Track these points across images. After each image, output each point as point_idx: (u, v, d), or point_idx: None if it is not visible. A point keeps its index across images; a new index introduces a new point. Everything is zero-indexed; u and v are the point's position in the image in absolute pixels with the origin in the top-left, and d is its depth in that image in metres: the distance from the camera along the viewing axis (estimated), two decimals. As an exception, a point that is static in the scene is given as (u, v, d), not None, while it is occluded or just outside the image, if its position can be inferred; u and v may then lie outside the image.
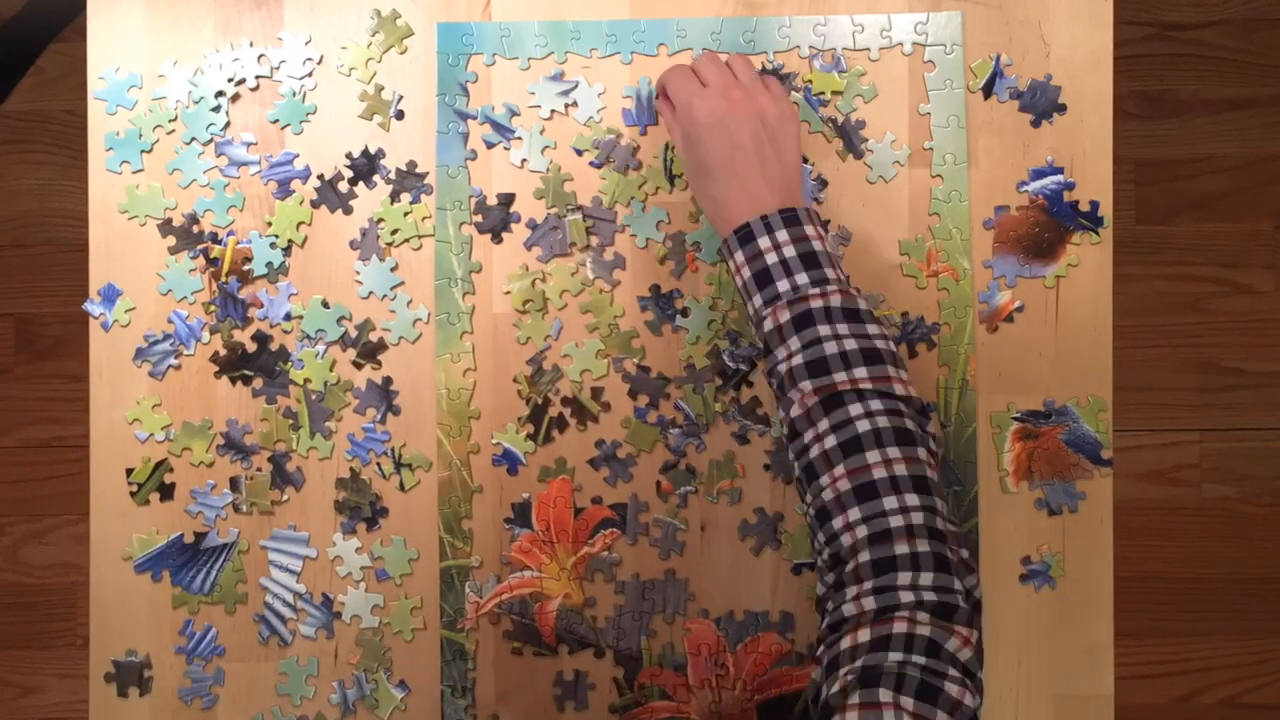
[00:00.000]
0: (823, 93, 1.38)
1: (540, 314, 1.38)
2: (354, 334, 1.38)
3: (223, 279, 1.38)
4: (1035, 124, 1.37)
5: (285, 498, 1.39)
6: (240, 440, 1.39)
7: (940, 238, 1.37)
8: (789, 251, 1.17)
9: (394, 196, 1.39)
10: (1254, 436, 2.50)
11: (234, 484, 1.39)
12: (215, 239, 1.38)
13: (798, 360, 1.14)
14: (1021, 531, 1.37)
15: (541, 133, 1.39)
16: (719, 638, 1.37)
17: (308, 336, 1.38)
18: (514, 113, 1.39)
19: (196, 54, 1.40)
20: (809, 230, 1.19)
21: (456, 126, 1.39)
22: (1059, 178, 1.37)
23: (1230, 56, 2.51)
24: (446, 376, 1.38)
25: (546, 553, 1.38)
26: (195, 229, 1.38)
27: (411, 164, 1.39)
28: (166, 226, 1.38)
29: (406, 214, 1.38)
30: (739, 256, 1.19)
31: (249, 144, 1.39)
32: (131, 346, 1.39)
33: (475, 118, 1.39)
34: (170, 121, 1.39)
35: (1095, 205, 1.36)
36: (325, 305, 1.39)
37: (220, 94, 1.40)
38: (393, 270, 1.38)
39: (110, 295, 1.38)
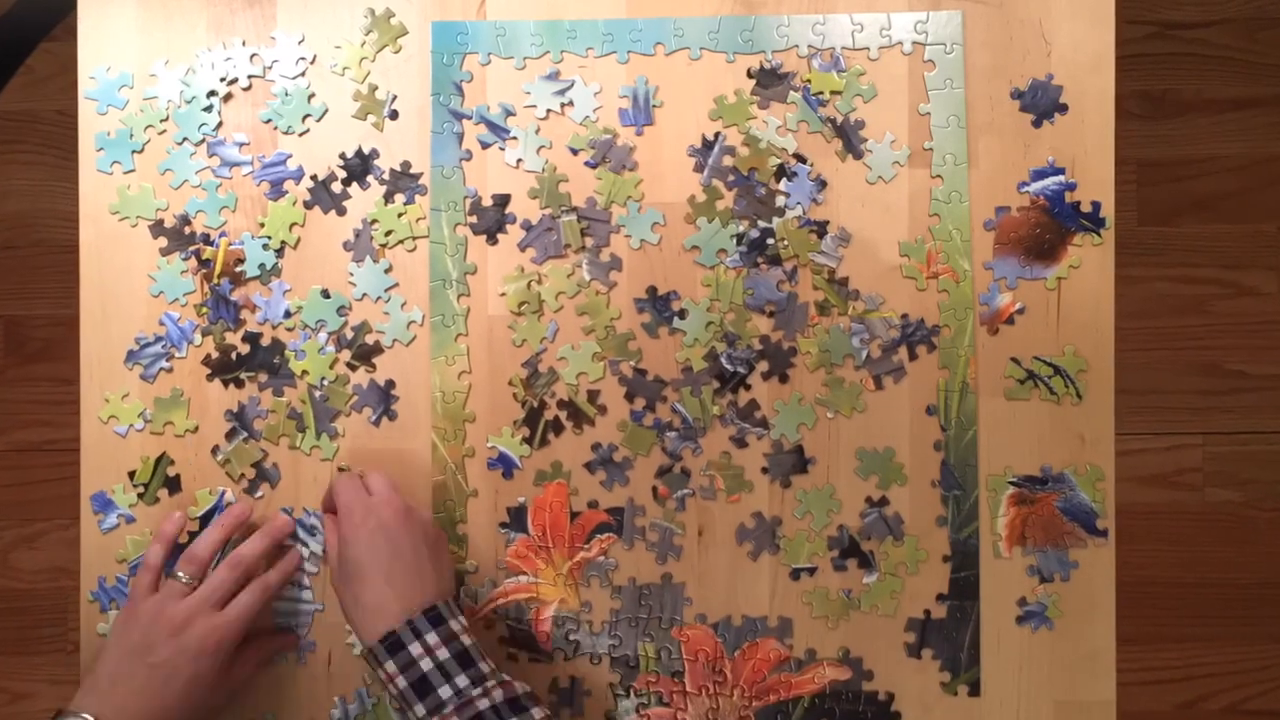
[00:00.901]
0: (821, 92, 1.38)
1: (536, 316, 1.38)
2: (350, 335, 1.38)
3: (215, 281, 1.38)
4: (1036, 124, 1.37)
5: (261, 495, 1.40)
6: (250, 422, 1.39)
7: (940, 239, 1.37)
8: (443, 654, 1.17)
9: (388, 197, 1.39)
10: (1258, 440, 2.50)
11: (230, 435, 1.40)
12: (207, 240, 1.38)
13: None
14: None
15: (537, 132, 1.39)
16: (717, 643, 1.37)
17: (308, 327, 1.38)
18: (509, 113, 1.39)
19: (188, 53, 1.40)
20: (455, 625, 1.20)
21: (451, 126, 1.39)
22: (1060, 178, 1.37)
23: (1234, 56, 2.51)
24: (441, 379, 1.38)
25: (542, 558, 1.38)
26: (187, 230, 1.38)
27: (406, 164, 1.39)
28: (158, 228, 1.38)
29: (400, 215, 1.38)
30: (390, 666, 1.17)
31: (241, 144, 1.39)
32: (123, 349, 1.39)
33: (470, 118, 1.39)
34: (162, 121, 1.39)
35: (1097, 206, 1.36)
36: (325, 295, 1.39)
37: (212, 94, 1.40)
38: (387, 272, 1.38)
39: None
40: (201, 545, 1.31)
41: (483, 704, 1.15)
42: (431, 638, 1.18)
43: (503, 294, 1.38)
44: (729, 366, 1.37)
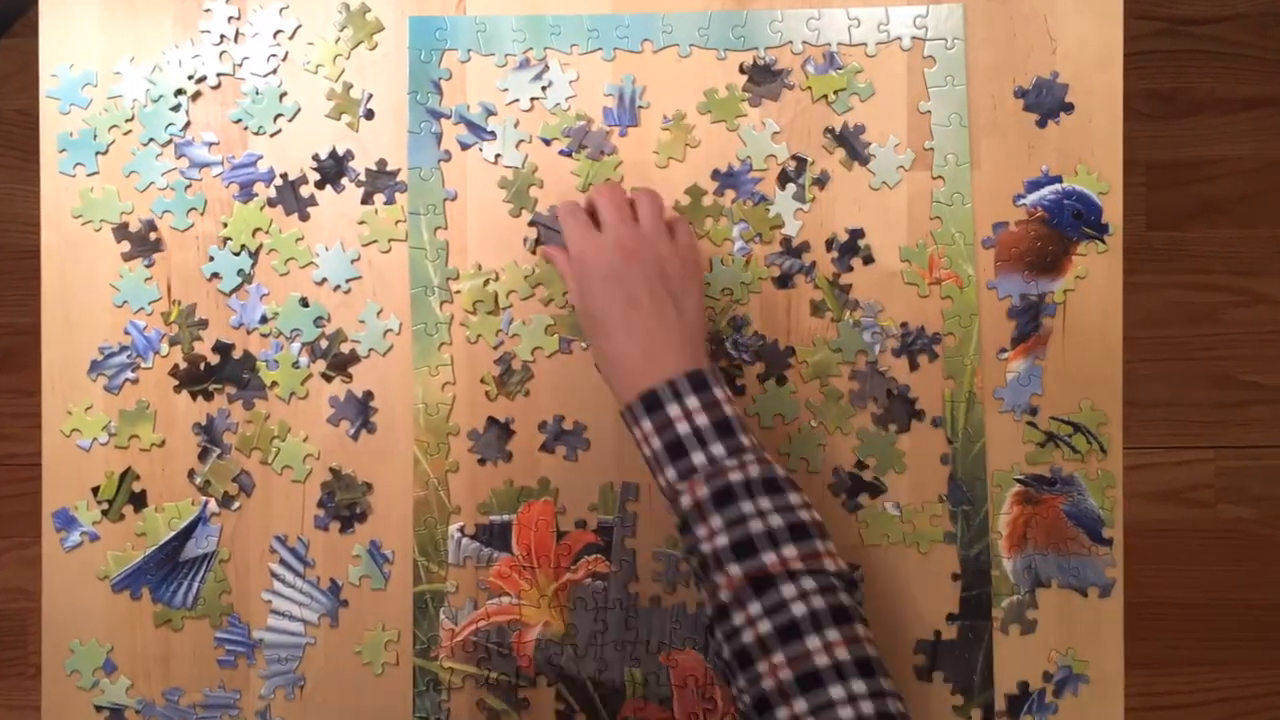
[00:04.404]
0: (826, 95, 1.38)
1: (490, 314, 1.38)
2: (324, 344, 1.38)
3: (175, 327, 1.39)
4: (1041, 124, 1.37)
5: (238, 506, 1.39)
6: (220, 435, 1.39)
7: (943, 243, 1.37)
8: (701, 420, 1.14)
9: (366, 198, 1.38)
10: (1272, 454, 2.50)
11: (203, 455, 1.39)
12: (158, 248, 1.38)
13: (721, 541, 1.10)
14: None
15: (516, 125, 1.38)
16: (707, 668, 1.37)
17: (283, 335, 1.38)
18: (490, 112, 1.39)
19: (155, 50, 1.39)
20: (718, 393, 1.16)
21: (429, 126, 1.38)
22: (1057, 186, 1.37)
23: (1247, 53, 2.52)
24: (424, 390, 1.38)
25: (526, 578, 1.37)
26: (152, 236, 1.38)
27: (382, 162, 1.39)
28: (122, 231, 1.38)
29: (376, 212, 1.38)
30: (645, 425, 1.16)
31: (210, 144, 1.39)
32: (86, 359, 1.38)
33: (449, 117, 1.39)
34: (127, 121, 1.39)
35: (1099, 210, 1.36)
36: (304, 303, 1.39)
37: (180, 92, 1.39)
38: (354, 262, 1.38)
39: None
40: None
41: (735, 476, 1.12)
42: (691, 401, 1.15)
43: (457, 292, 1.38)
44: (734, 353, 1.37)
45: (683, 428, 1.14)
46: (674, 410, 1.14)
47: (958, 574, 1.37)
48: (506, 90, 1.38)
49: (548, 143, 1.38)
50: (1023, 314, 1.36)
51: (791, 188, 1.37)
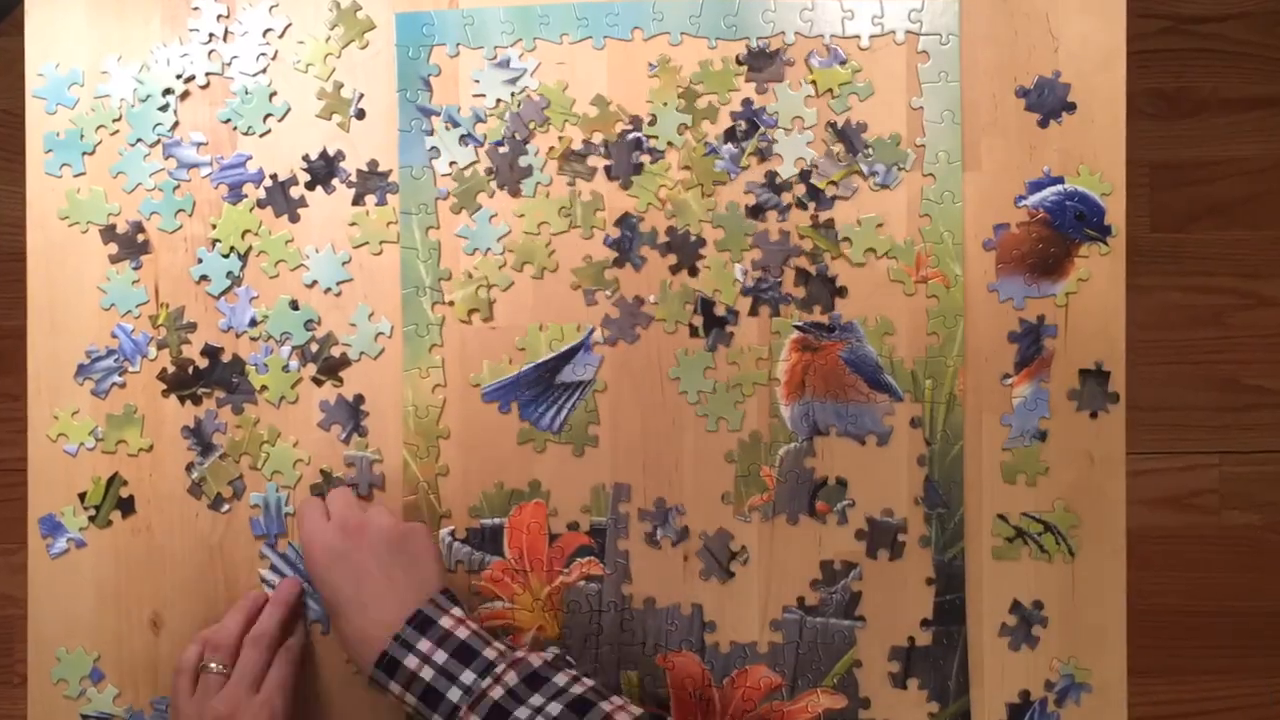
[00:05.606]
0: (830, 89, 1.38)
1: (485, 321, 1.38)
2: (314, 348, 1.38)
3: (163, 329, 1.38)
4: (1042, 124, 1.37)
5: (228, 509, 1.39)
6: (209, 437, 1.39)
7: (930, 241, 1.36)
8: (440, 657, 1.17)
9: (358, 199, 1.38)
10: (1277, 460, 2.50)
11: (206, 451, 1.39)
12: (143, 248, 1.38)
13: None
14: (1017, 569, 1.37)
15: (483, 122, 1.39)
16: (704, 671, 1.37)
17: (272, 339, 1.38)
18: (479, 119, 1.38)
19: (142, 49, 1.39)
20: (446, 623, 1.19)
21: (420, 124, 1.38)
22: (1059, 187, 1.36)
23: (1252, 52, 2.51)
24: (414, 393, 1.38)
25: (519, 582, 1.37)
26: (140, 238, 1.38)
27: (373, 163, 1.38)
28: (109, 233, 1.38)
29: (368, 214, 1.38)
30: (394, 687, 1.18)
31: (199, 144, 1.39)
32: (72, 363, 1.38)
33: (438, 114, 1.38)
34: (114, 121, 1.39)
35: (1101, 212, 1.36)
36: (294, 306, 1.38)
37: (168, 91, 1.39)
38: (344, 264, 1.38)
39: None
40: (226, 630, 1.31)
41: (496, 693, 1.14)
42: (424, 645, 1.17)
43: (450, 302, 1.38)
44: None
45: (427, 673, 1.16)
46: (412, 662, 1.17)
47: (931, 578, 1.37)
48: (478, 81, 1.39)
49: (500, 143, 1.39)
50: (1024, 338, 1.36)
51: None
